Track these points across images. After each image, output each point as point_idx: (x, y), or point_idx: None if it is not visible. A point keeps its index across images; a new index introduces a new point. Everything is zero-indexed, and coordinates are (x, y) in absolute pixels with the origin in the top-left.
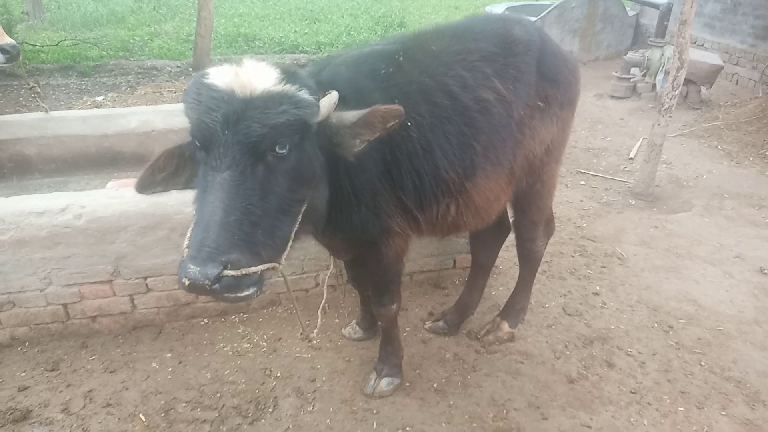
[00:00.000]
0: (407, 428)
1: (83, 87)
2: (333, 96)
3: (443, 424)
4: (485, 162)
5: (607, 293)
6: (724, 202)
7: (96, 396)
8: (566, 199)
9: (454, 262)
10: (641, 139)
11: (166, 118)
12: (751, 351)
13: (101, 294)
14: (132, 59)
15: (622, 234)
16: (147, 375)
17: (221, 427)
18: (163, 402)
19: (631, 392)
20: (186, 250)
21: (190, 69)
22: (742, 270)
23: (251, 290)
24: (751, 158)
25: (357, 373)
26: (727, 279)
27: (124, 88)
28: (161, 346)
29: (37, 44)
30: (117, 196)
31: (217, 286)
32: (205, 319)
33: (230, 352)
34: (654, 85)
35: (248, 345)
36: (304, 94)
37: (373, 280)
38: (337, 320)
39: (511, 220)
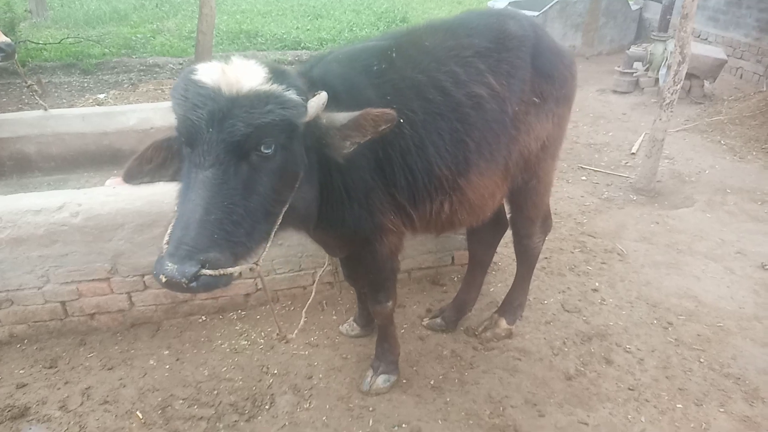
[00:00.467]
0: (403, 425)
1: (85, 84)
2: (321, 97)
3: (439, 421)
4: (479, 158)
5: (606, 289)
6: (726, 197)
7: (94, 393)
8: (567, 194)
9: (453, 258)
10: (643, 134)
11: (165, 115)
12: (750, 347)
13: (99, 291)
14: (134, 56)
15: (623, 230)
16: (144, 372)
17: (218, 424)
18: (160, 399)
19: (629, 389)
20: (165, 246)
21: None
22: (743, 266)
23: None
24: (754, 153)
25: (354, 370)
26: (728, 275)
27: (126, 85)
28: (159, 344)
29: (40, 42)
30: (113, 194)
31: (194, 284)
32: (203, 317)
33: (228, 349)
34: (657, 80)
35: (246, 342)
36: (292, 95)
37: (368, 277)
38: (334, 317)
39: (508, 217)
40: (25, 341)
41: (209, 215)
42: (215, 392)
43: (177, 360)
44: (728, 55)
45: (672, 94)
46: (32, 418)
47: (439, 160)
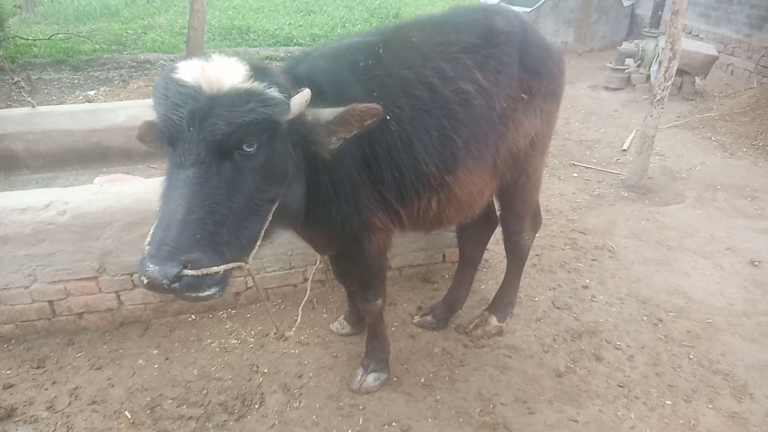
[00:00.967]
0: (393, 424)
1: (76, 81)
2: (305, 94)
3: (430, 419)
4: (466, 155)
5: (596, 286)
6: (716, 193)
7: (82, 393)
8: (558, 191)
9: (444, 256)
10: (634, 131)
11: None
12: (739, 343)
13: (87, 291)
14: (125, 53)
15: (614, 226)
16: (133, 372)
17: (207, 423)
18: (148, 399)
19: (619, 386)
20: (147, 247)
21: None
22: (732, 262)
23: (213, 290)
24: (744, 149)
25: (344, 368)
26: (717, 271)
27: (116, 82)
28: (148, 343)
29: (30, 38)
30: (101, 192)
31: (176, 285)
32: (192, 315)
33: (217, 348)
34: (648, 76)
35: (235, 341)
36: (273, 92)
37: (356, 275)
38: (325, 315)
39: (497, 214)
40: (12, 341)
41: (191, 215)
42: (204, 392)
43: (166, 359)
44: (719, 52)
45: (663, 90)
46: (19, 419)
47: (427, 157)
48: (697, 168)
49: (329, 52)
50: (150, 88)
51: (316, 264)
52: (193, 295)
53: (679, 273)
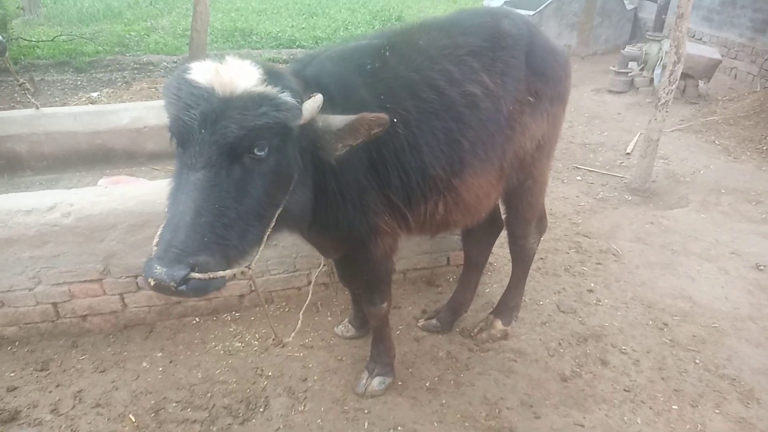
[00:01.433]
0: (399, 428)
1: (79, 83)
2: (317, 99)
3: (435, 424)
4: (473, 158)
5: (601, 290)
6: (720, 197)
7: (86, 396)
8: (562, 194)
9: (448, 259)
10: (638, 134)
11: (158, 113)
12: (745, 348)
13: (91, 293)
14: (128, 54)
15: (618, 230)
16: (137, 374)
17: (211, 427)
18: (153, 402)
19: (625, 390)
20: (155, 248)
21: None
22: (737, 266)
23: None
24: (748, 153)
25: (349, 372)
26: (722, 275)
27: (119, 83)
28: (152, 345)
29: (33, 40)
30: (105, 194)
31: (183, 287)
32: (196, 318)
33: (221, 351)
34: (652, 80)
35: (240, 344)
36: (286, 97)
37: (362, 279)
38: (329, 318)
39: (503, 217)
40: (16, 343)
41: (200, 218)
42: (209, 395)
43: (170, 362)
44: (723, 55)
45: (667, 93)
46: (23, 422)
47: (434, 160)
48: (701, 172)
49: (336, 55)
50: (153, 89)
51: (320, 267)
52: (199, 296)
53: (683, 277)
